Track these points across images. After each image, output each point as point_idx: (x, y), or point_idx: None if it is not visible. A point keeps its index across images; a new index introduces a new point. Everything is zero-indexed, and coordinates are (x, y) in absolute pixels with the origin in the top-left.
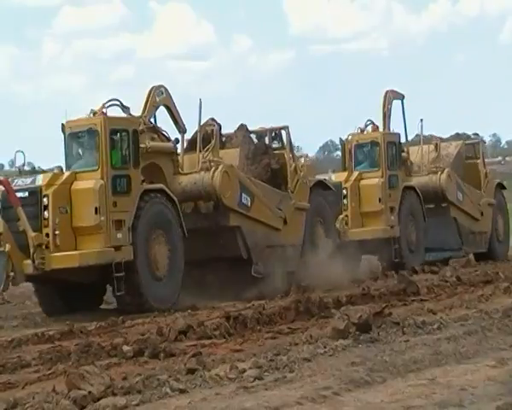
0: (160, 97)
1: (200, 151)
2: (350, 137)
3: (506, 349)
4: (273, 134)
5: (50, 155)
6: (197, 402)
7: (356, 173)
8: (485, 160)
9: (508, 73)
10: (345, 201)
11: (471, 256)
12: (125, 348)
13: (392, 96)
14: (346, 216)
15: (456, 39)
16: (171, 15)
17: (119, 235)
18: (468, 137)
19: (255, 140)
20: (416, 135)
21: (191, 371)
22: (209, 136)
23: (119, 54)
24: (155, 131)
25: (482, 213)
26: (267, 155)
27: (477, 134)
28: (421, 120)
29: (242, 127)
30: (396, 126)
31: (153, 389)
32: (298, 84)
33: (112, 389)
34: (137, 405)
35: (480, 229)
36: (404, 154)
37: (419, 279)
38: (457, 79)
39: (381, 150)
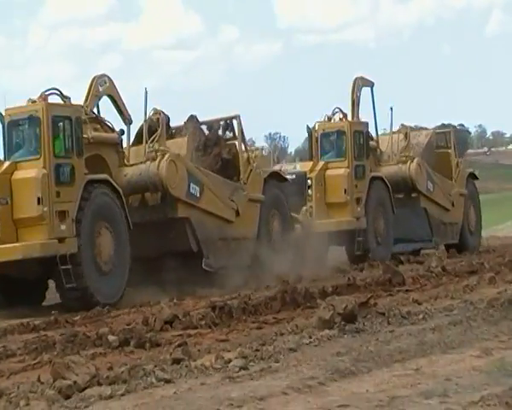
0: (103, 87)
1: (146, 142)
2: (317, 125)
3: (491, 339)
4: (225, 124)
5: None
6: (183, 392)
7: (321, 163)
8: (471, 150)
9: (494, 65)
10: (309, 191)
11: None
12: (111, 337)
13: (361, 83)
14: (311, 207)
15: (443, 31)
16: (159, 5)
17: (63, 226)
18: (454, 127)
19: (206, 131)
20: (402, 125)
21: (177, 361)
22: (156, 126)
23: (106, 44)
24: (98, 121)
25: (453, 204)
26: (218, 145)
27: (462, 125)
28: (391, 108)
29: (192, 118)
30: (367, 115)
31: (138, 379)
32: (285, 74)
33: (97, 379)
34: (123, 395)
35: (451, 220)
36: (373, 143)
37: (404, 270)
38: (444, 70)
39: (348, 140)
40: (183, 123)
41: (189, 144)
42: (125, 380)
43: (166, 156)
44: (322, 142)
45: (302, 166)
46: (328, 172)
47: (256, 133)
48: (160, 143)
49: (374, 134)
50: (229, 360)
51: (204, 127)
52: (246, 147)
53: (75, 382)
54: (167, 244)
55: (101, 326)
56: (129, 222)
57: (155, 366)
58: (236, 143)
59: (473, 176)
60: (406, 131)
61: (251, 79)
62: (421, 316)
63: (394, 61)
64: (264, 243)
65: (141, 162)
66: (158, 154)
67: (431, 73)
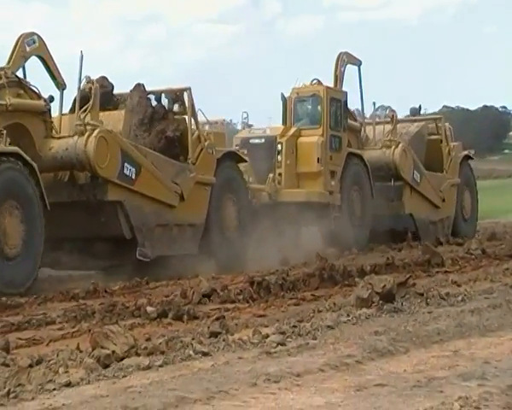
0: (31, 47)
1: (77, 113)
2: (291, 90)
3: None
4: (174, 96)
5: None
6: (220, 365)
7: (294, 129)
8: None
9: None
10: (279, 157)
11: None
12: (149, 309)
13: (346, 59)
14: (279, 175)
15: (487, 10)
16: None
17: None
18: (496, 109)
19: (154, 102)
20: (388, 108)
21: (214, 335)
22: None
23: (148, 16)
24: (22, 86)
25: (444, 200)
26: (166, 120)
27: (505, 107)
28: (374, 103)
29: (139, 87)
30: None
31: (176, 351)
32: (326, 50)
33: (135, 350)
34: (160, 366)
35: (442, 216)
36: (356, 123)
37: (443, 251)
38: (488, 51)
39: (324, 106)
40: (128, 91)
41: (128, 118)
42: (162, 351)
43: (96, 132)
44: (296, 108)
45: (272, 131)
46: (301, 139)
47: None
48: (92, 115)
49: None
50: (267, 336)
51: (152, 98)
52: (196, 123)
53: (113, 351)
54: (98, 228)
55: (140, 297)
56: (45, 201)
57: (193, 339)
58: (186, 118)
59: (467, 157)
60: (393, 115)
61: (292, 54)
62: (460, 298)
63: (437, 40)
64: (215, 231)
65: (69, 136)
66: (87, 128)
67: (474, 53)
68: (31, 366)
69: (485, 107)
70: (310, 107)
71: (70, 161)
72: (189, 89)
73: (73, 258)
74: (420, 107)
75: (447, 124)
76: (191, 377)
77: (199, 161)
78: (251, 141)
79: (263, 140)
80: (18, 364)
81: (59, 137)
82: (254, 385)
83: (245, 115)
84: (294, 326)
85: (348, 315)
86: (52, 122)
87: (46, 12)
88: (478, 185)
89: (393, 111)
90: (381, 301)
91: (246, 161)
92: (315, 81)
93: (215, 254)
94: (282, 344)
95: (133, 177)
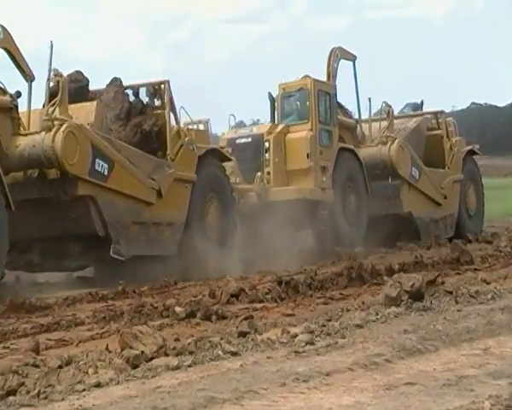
0: None
1: (46, 107)
2: (277, 86)
3: None
4: (153, 90)
5: None
6: (249, 365)
7: (281, 126)
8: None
9: None
10: (267, 155)
11: None
12: (178, 309)
13: (339, 54)
14: (268, 173)
15: None
16: None
17: None
18: None
19: (132, 97)
20: (384, 103)
21: (243, 335)
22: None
23: (174, 16)
24: None
25: (446, 196)
26: (143, 115)
27: None
28: (369, 99)
29: (116, 81)
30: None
31: (205, 351)
32: (352, 48)
33: (164, 350)
34: (189, 366)
35: (444, 214)
36: (350, 120)
37: (473, 249)
38: None
39: (312, 99)
40: (105, 86)
41: (99, 109)
42: (191, 351)
43: (64, 127)
44: (283, 104)
45: (259, 129)
46: (290, 135)
47: None
48: (60, 110)
49: (356, 115)
50: (296, 335)
51: (130, 93)
52: (176, 118)
53: (142, 352)
54: (69, 226)
55: (168, 298)
56: (9, 201)
57: (222, 339)
58: (165, 113)
59: (472, 152)
60: (389, 110)
61: (319, 52)
62: (489, 296)
63: (464, 36)
64: (196, 230)
65: (36, 132)
66: (55, 123)
67: (502, 49)
68: (60, 366)
69: None
70: (297, 102)
71: (38, 158)
72: (167, 82)
73: (46, 259)
74: (422, 102)
75: (450, 118)
76: (220, 377)
77: (178, 158)
78: (237, 141)
79: (249, 139)
80: (48, 365)
81: (26, 134)
82: (283, 385)
83: (232, 119)
84: (323, 325)
85: (377, 314)
86: (19, 118)
87: (76, 15)
88: (506, 183)
89: (389, 106)
90: (409, 300)
91: (230, 160)
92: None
93: (196, 255)
94: (311, 343)
95: (105, 173)
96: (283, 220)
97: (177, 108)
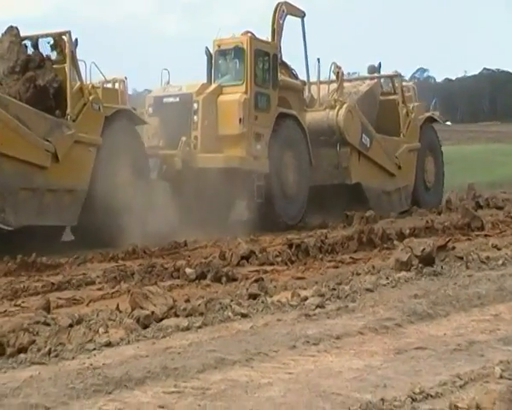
0: None
1: None
2: (212, 42)
3: None
4: (53, 42)
5: None
6: (259, 327)
7: (214, 86)
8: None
9: None
10: (195, 118)
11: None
12: (188, 270)
13: (286, 9)
14: (195, 138)
15: None
16: None
17: None
18: None
19: (31, 49)
20: (333, 64)
21: (253, 297)
22: None
23: None
24: None
25: (400, 167)
26: (42, 68)
27: None
28: (318, 59)
29: (12, 30)
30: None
31: (215, 313)
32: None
33: (174, 311)
34: (200, 327)
35: (398, 185)
36: (297, 82)
37: (483, 214)
38: None
39: (247, 59)
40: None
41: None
42: (201, 313)
43: None
44: (218, 62)
45: (189, 88)
46: (222, 97)
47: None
48: None
49: (304, 76)
50: (306, 298)
51: (28, 44)
52: (78, 73)
53: (153, 312)
54: None
55: (179, 259)
56: None
57: (232, 301)
58: (65, 67)
59: (431, 120)
60: (338, 71)
61: (326, 20)
62: (500, 262)
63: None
64: (102, 200)
65: None
66: None
67: None
68: (71, 325)
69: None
70: (232, 61)
71: None
72: (69, 32)
73: None
74: (380, 64)
75: (411, 83)
76: (230, 339)
77: (80, 118)
78: (164, 100)
79: (177, 99)
80: (58, 323)
81: None
82: (293, 347)
83: (166, 74)
84: (333, 289)
85: (387, 278)
86: None
87: None
88: None
89: (339, 67)
90: (420, 265)
91: (145, 123)
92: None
93: (101, 225)
94: (321, 307)
95: None
96: (211, 190)
97: (88, 63)
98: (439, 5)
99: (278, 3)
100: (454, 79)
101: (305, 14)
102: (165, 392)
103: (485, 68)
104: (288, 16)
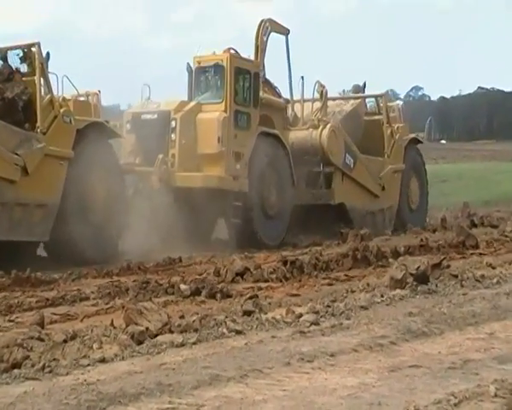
0: None
1: None
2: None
3: None
4: (23, 54)
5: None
6: (254, 344)
7: (193, 104)
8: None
9: None
10: (172, 135)
11: None
12: (183, 286)
13: (270, 26)
14: (173, 156)
15: None
16: None
17: None
18: None
19: None
20: (317, 82)
21: (248, 313)
22: None
23: None
24: None
25: (384, 188)
26: (11, 81)
27: None
28: (302, 77)
29: None
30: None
31: (209, 329)
32: (358, 31)
33: (169, 327)
34: (194, 343)
35: (382, 206)
36: (280, 100)
37: (478, 233)
38: None
39: (227, 76)
40: None
41: None
42: (196, 329)
43: None
44: (198, 79)
45: (168, 105)
46: (201, 115)
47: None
48: None
49: (288, 94)
50: (300, 315)
51: None
52: (48, 85)
53: (147, 328)
54: None
55: (173, 275)
56: None
57: (226, 317)
58: (35, 79)
59: (415, 141)
60: (322, 90)
61: (325, 34)
62: (495, 280)
63: (471, 22)
64: (74, 215)
65: None
66: None
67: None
68: (65, 341)
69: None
70: (213, 78)
71: None
72: (38, 44)
73: None
74: (365, 84)
75: (398, 102)
76: (225, 355)
77: (51, 131)
78: (142, 117)
79: (155, 116)
80: (53, 339)
81: None
82: (288, 364)
83: (146, 89)
84: (328, 306)
85: (382, 296)
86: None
87: None
88: None
89: (323, 86)
90: (415, 283)
91: (119, 136)
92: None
93: (73, 241)
94: (316, 324)
95: None
96: (189, 208)
97: (60, 76)
98: (434, 24)
99: (262, 20)
100: (449, 97)
101: (289, 32)
102: (160, 408)
103: (479, 87)
104: (273, 33)
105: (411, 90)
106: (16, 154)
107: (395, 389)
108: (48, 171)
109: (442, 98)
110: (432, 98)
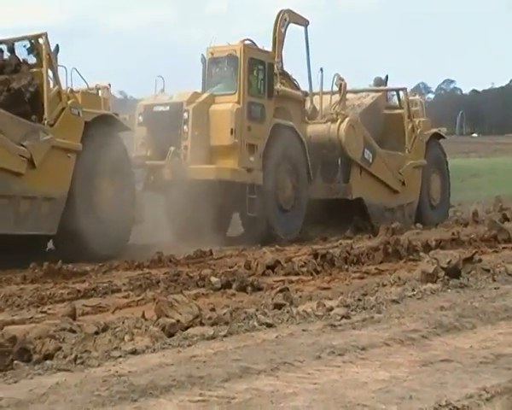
0: None
1: None
2: (206, 50)
3: None
4: (30, 45)
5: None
6: (284, 337)
7: (206, 95)
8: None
9: None
10: (185, 127)
11: None
12: (213, 279)
13: (288, 17)
14: (185, 148)
15: None
16: None
17: None
18: None
19: (7, 54)
20: (336, 75)
21: (278, 307)
22: None
23: None
24: None
25: (404, 183)
26: (18, 72)
27: None
28: (321, 69)
29: None
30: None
31: (240, 322)
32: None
33: (200, 319)
34: (225, 336)
35: (402, 202)
36: (298, 92)
37: (510, 227)
38: None
39: (241, 67)
40: None
41: None
42: (227, 322)
43: None
44: (211, 70)
45: (180, 97)
46: (214, 106)
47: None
48: None
49: (307, 87)
50: (331, 308)
51: (4, 48)
52: (56, 77)
53: (178, 320)
54: None
55: (204, 268)
56: None
57: (257, 310)
58: (42, 71)
59: (437, 136)
60: (341, 83)
61: (353, 25)
62: None
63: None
64: (82, 208)
65: None
66: None
67: None
68: (97, 333)
69: None
70: (226, 69)
71: None
72: (45, 34)
73: None
74: (387, 77)
75: (418, 97)
76: (255, 348)
77: (59, 123)
78: (154, 109)
79: (168, 108)
80: (84, 331)
81: None
82: (319, 358)
83: (160, 81)
84: (359, 300)
85: (413, 290)
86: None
87: None
88: None
89: (342, 79)
90: (446, 277)
91: (128, 129)
92: (249, 43)
93: (82, 235)
94: (347, 317)
95: None
96: (201, 202)
97: (69, 68)
98: (466, 15)
99: (280, 11)
100: (481, 90)
101: (308, 23)
102: (191, 401)
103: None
104: (292, 24)
105: (443, 83)
106: (22, 145)
107: (426, 384)
108: (55, 163)
109: (474, 91)
110: (464, 91)
